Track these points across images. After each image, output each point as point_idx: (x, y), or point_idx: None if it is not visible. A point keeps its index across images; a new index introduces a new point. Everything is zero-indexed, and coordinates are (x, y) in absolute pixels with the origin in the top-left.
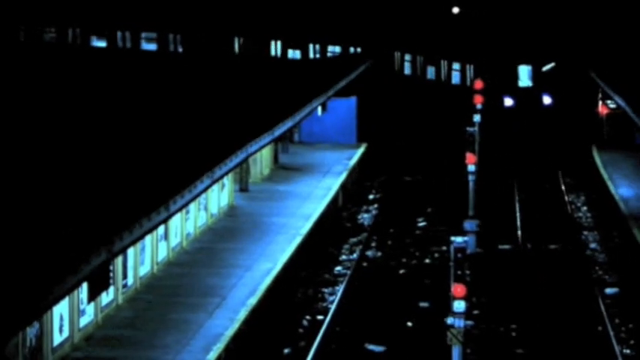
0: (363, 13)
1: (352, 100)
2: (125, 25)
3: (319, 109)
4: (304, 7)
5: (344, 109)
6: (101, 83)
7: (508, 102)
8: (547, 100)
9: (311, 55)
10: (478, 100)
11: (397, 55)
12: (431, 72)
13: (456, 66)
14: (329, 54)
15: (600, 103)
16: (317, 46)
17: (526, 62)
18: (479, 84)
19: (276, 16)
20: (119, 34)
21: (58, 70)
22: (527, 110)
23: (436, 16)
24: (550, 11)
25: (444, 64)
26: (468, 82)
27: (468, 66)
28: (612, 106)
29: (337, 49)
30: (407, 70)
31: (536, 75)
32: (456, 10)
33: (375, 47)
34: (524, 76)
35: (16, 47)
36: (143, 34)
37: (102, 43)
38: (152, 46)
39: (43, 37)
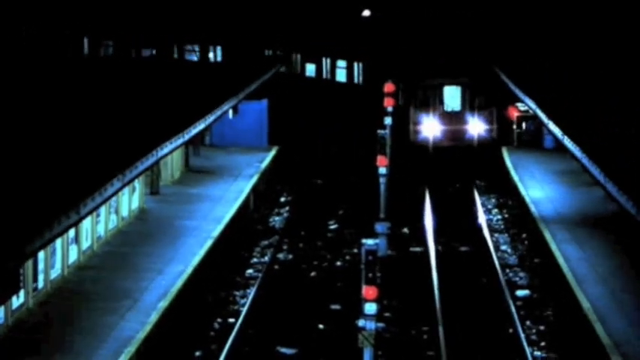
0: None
1: (263, 103)
2: (171, 39)
3: (230, 111)
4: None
5: (255, 112)
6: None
7: (430, 129)
8: (478, 126)
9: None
10: (389, 103)
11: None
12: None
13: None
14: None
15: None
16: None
17: (454, 81)
18: (390, 87)
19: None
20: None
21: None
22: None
23: (349, 21)
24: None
25: (357, 67)
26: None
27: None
28: (523, 108)
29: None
30: (316, 74)
31: (465, 96)
32: (367, 12)
33: (285, 50)
34: (452, 97)
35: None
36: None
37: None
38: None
39: (100, 49)
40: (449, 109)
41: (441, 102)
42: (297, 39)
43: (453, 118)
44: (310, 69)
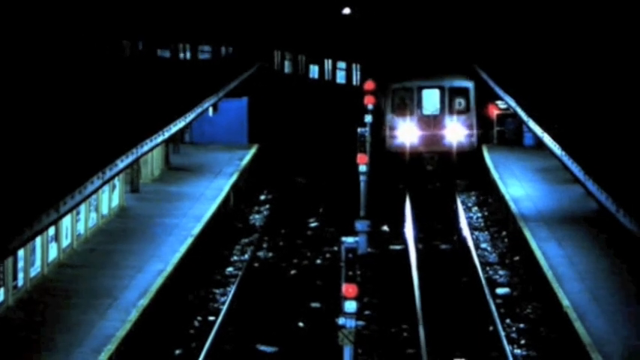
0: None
1: (243, 101)
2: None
3: (210, 109)
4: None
5: (235, 109)
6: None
7: (407, 135)
8: (458, 132)
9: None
10: (369, 101)
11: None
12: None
13: (342, 65)
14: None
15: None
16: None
17: (434, 84)
18: (370, 85)
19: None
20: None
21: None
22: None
23: (329, 20)
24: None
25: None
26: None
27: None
28: (502, 106)
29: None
30: (299, 71)
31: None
32: (347, 10)
33: (265, 48)
34: (430, 101)
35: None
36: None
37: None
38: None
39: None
40: (427, 113)
41: (419, 105)
42: (300, 40)
43: (432, 123)
44: (314, 70)
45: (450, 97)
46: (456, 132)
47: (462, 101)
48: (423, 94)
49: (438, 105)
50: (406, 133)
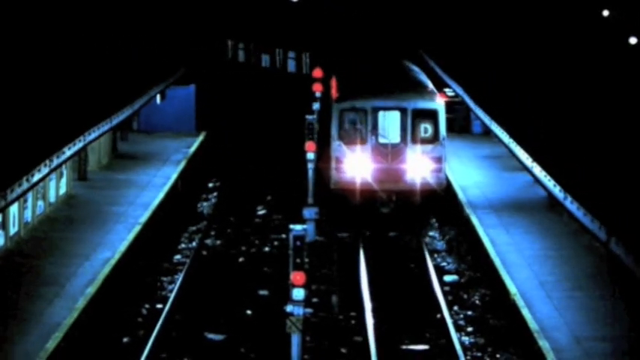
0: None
1: (191, 89)
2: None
3: (158, 97)
4: None
5: (183, 97)
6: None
7: (358, 168)
8: (423, 165)
9: None
10: (317, 89)
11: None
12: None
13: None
14: None
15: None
16: None
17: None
18: (318, 72)
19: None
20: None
21: None
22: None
23: (277, 7)
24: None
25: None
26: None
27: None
28: (450, 94)
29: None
30: (243, 58)
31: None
32: None
33: (210, 36)
34: (388, 126)
35: None
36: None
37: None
38: None
39: None
40: (384, 141)
41: (374, 131)
42: (251, 29)
43: (389, 154)
44: (265, 59)
45: (413, 121)
46: (420, 166)
47: (429, 127)
48: (378, 116)
49: (398, 131)
50: (356, 166)
